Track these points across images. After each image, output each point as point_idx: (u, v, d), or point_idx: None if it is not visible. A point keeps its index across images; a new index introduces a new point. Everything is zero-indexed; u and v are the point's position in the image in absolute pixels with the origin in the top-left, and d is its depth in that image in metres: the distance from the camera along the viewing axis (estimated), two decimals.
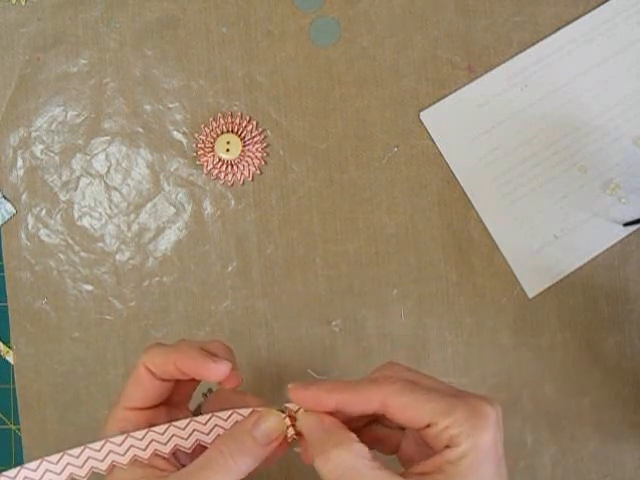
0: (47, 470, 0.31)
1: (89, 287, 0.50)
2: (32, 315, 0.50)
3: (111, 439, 0.31)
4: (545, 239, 0.50)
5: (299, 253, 0.51)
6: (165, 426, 0.32)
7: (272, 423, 0.31)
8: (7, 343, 0.51)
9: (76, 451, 0.31)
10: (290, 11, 0.51)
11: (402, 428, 0.33)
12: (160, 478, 0.31)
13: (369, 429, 0.33)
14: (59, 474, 0.31)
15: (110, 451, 0.31)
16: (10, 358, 0.50)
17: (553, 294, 0.50)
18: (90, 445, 0.31)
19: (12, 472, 0.30)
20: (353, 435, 0.29)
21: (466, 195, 0.50)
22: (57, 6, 0.50)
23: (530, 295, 0.50)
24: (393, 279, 0.50)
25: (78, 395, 0.50)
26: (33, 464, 0.31)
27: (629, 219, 0.50)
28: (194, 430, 0.32)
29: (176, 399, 0.35)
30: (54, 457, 0.31)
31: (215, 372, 0.32)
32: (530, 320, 0.50)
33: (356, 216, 0.51)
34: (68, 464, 0.31)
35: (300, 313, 0.50)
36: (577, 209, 0.50)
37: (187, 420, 0.32)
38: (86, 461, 0.31)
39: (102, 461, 0.31)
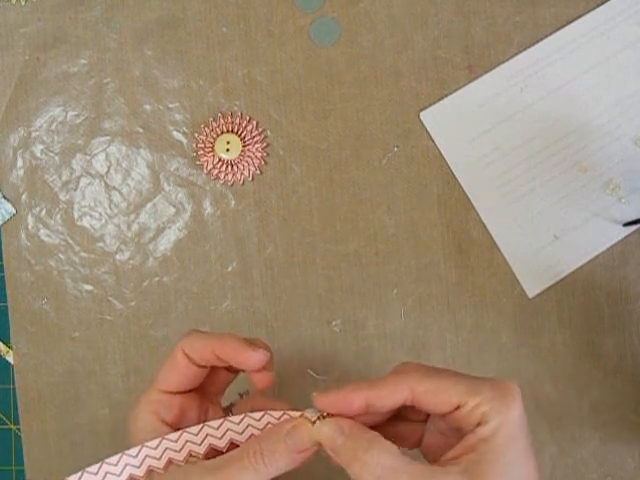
0: (107, 473, 0.31)
1: (89, 287, 0.50)
2: (32, 315, 0.50)
3: (147, 443, 0.31)
4: (545, 239, 0.50)
5: (299, 253, 0.51)
6: (199, 426, 0.32)
7: (305, 433, 0.31)
8: (7, 343, 0.51)
9: (114, 459, 0.31)
10: (290, 11, 0.51)
11: (424, 421, 0.33)
12: (190, 464, 0.31)
13: (391, 425, 0.34)
14: (119, 475, 0.31)
15: (147, 456, 0.31)
16: (10, 358, 0.50)
17: (553, 294, 0.50)
18: (127, 452, 0.31)
19: (74, 477, 0.31)
20: (376, 433, 0.30)
21: (466, 195, 0.50)
22: (57, 6, 0.50)
23: (530, 295, 0.50)
24: (393, 279, 0.50)
25: (78, 395, 0.50)
26: (94, 467, 0.31)
27: (629, 219, 0.50)
28: (228, 429, 0.32)
29: (210, 389, 0.36)
30: (94, 467, 0.31)
31: (252, 360, 0.32)
32: (530, 320, 0.50)
33: (356, 216, 0.51)
34: (107, 473, 0.31)
35: (300, 313, 0.50)
36: (577, 209, 0.50)
37: (220, 420, 0.32)
38: (124, 468, 0.31)
39: (139, 467, 0.31)
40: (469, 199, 0.50)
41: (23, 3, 0.50)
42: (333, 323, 0.50)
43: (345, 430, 0.30)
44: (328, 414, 0.31)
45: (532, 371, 0.50)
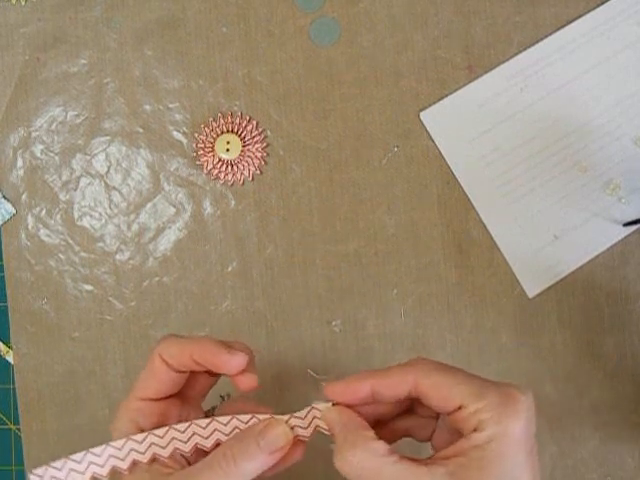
0: (71, 470, 0.31)
1: (89, 287, 0.50)
2: (32, 315, 0.50)
3: (133, 437, 0.31)
4: (545, 239, 0.50)
5: (299, 253, 0.51)
6: (186, 424, 0.32)
7: (278, 433, 0.31)
8: (7, 343, 0.51)
9: (98, 449, 0.31)
10: (290, 11, 0.51)
11: (435, 417, 0.33)
12: (164, 476, 0.31)
13: (403, 419, 0.34)
14: (82, 473, 0.31)
15: (132, 449, 0.31)
16: (10, 358, 0.50)
17: (553, 294, 0.50)
18: (112, 443, 0.31)
19: (40, 470, 0.31)
20: (369, 433, 0.30)
21: (466, 195, 0.50)
22: (57, 6, 0.50)
23: (530, 295, 0.50)
24: (393, 279, 0.50)
25: (78, 395, 0.50)
26: (58, 463, 0.31)
27: (629, 219, 0.50)
28: (215, 430, 0.32)
29: (190, 394, 0.36)
30: (78, 455, 0.31)
31: (230, 364, 0.32)
32: (530, 320, 0.50)
33: (356, 216, 0.51)
34: (91, 463, 0.31)
35: (300, 313, 0.50)
36: (577, 209, 0.50)
37: (208, 419, 0.32)
38: (107, 460, 0.31)
39: (123, 460, 0.31)
40: (469, 199, 0.50)
41: (23, 3, 0.50)
42: (333, 323, 0.50)
43: (343, 421, 0.30)
44: (337, 403, 0.31)
45: (532, 371, 0.50)
